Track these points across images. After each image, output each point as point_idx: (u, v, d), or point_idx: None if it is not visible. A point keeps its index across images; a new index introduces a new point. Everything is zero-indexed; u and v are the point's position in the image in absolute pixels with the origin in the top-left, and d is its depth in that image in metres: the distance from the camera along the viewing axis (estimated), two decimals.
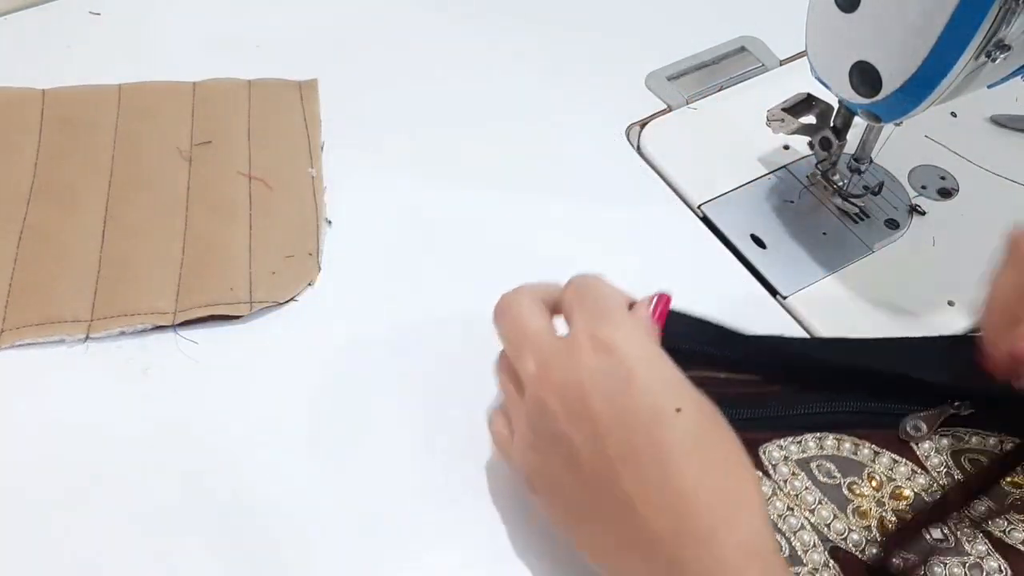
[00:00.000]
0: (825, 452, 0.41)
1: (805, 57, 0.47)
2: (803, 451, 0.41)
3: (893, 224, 0.54)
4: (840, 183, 0.54)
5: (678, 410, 0.33)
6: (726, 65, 0.64)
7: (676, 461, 0.33)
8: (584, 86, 0.62)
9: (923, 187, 0.56)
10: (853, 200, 0.54)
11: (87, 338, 0.47)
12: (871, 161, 0.53)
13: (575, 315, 0.36)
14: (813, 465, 0.40)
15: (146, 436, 0.44)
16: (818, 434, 0.41)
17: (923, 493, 0.40)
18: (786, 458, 0.40)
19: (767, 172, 0.56)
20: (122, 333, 0.47)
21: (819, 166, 0.54)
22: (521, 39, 0.65)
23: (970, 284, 0.51)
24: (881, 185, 0.54)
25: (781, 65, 0.64)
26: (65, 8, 0.65)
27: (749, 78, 0.63)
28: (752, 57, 0.64)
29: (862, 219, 0.54)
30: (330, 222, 0.53)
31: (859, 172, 0.53)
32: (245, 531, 0.41)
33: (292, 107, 0.59)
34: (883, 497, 0.40)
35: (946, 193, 0.56)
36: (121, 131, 0.56)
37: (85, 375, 0.46)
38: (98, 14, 0.65)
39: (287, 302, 0.49)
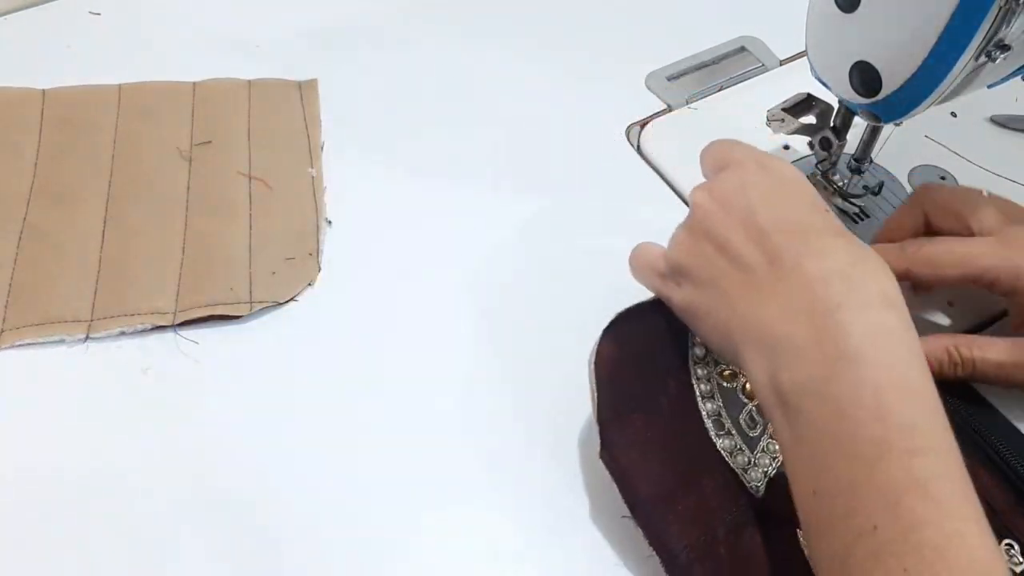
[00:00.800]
0: None
1: (805, 57, 0.47)
2: None
3: None
4: (840, 183, 0.54)
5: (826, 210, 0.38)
6: (726, 65, 0.64)
7: (830, 242, 0.37)
8: (584, 86, 0.62)
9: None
10: (853, 200, 0.54)
11: (87, 338, 0.47)
12: (871, 161, 0.53)
13: (736, 150, 0.42)
14: None
15: (146, 436, 0.44)
16: None
17: None
18: None
19: None
20: (122, 333, 0.47)
21: (819, 166, 0.54)
22: (521, 39, 0.65)
23: None
24: (881, 185, 0.54)
25: (781, 65, 0.64)
26: (65, 8, 0.65)
27: (749, 78, 0.63)
28: (752, 57, 0.64)
29: (862, 219, 0.54)
30: (330, 222, 0.53)
31: (859, 172, 0.53)
32: (246, 530, 0.41)
33: (292, 107, 0.59)
34: None
35: None
36: (121, 131, 0.56)
37: (85, 375, 0.46)
38: (98, 14, 0.65)
39: (287, 302, 0.49)
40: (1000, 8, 0.38)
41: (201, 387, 0.46)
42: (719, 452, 0.41)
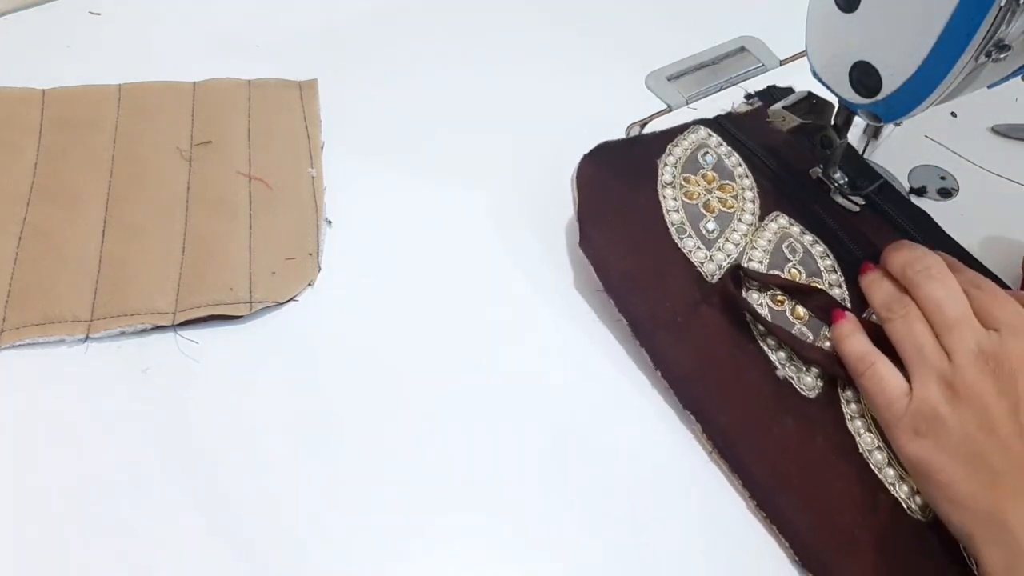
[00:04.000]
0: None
1: (805, 57, 0.47)
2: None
3: None
4: (841, 181, 0.54)
5: None
6: (726, 65, 0.64)
7: None
8: (584, 86, 0.62)
9: (923, 187, 0.56)
10: (854, 199, 0.54)
11: (87, 338, 0.47)
12: (871, 161, 0.53)
13: (995, 306, 0.43)
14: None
15: (146, 436, 0.44)
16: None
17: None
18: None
19: None
20: (122, 333, 0.47)
21: (819, 165, 0.54)
22: (521, 39, 0.65)
23: None
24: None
25: (781, 65, 0.64)
26: (65, 8, 0.65)
27: (749, 78, 0.63)
28: (752, 57, 0.64)
29: None
30: (330, 222, 0.53)
31: (858, 188, 0.53)
32: (245, 530, 0.41)
33: (292, 107, 0.59)
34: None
35: (946, 193, 0.56)
36: (121, 131, 0.56)
37: (85, 375, 0.46)
38: (98, 14, 0.65)
39: (287, 302, 0.49)
40: (1000, 8, 0.38)
41: (201, 387, 0.46)
42: (681, 251, 0.49)
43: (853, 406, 0.45)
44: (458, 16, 0.67)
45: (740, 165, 0.53)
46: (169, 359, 0.47)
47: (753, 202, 0.51)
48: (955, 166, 0.57)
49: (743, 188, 0.52)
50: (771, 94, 0.57)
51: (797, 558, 0.41)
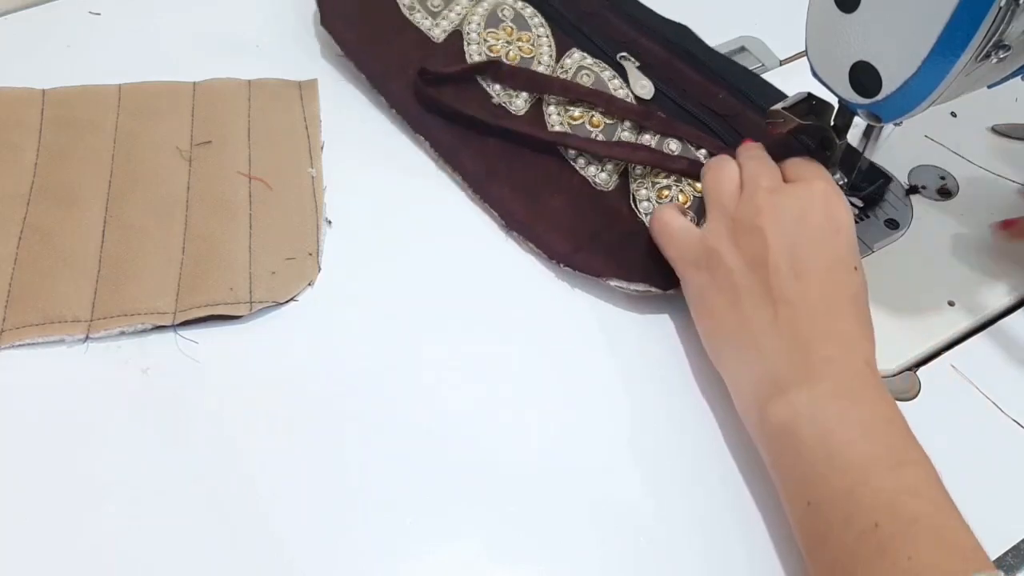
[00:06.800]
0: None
1: (805, 57, 0.47)
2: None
3: (893, 224, 0.54)
4: (840, 182, 0.54)
5: (856, 268, 0.43)
6: None
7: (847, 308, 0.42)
8: None
9: (923, 187, 0.56)
10: (853, 200, 0.54)
11: (87, 338, 0.47)
12: (871, 161, 0.53)
13: (801, 165, 0.47)
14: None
15: (146, 436, 0.44)
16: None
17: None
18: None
19: None
20: (122, 333, 0.47)
21: None
22: None
23: (970, 284, 0.51)
24: (881, 185, 0.54)
25: (781, 65, 0.64)
26: (65, 8, 0.65)
27: None
28: (752, 57, 0.64)
29: (862, 219, 0.54)
30: (330, 222, 0.53)
31: (859, 172, 0.53)
32: (245, 531, 0.41)
33: (292, 107, 0.59)
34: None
35: (946, 193, 0.56)
36: (121, 131, 0.56)
37: (85, 375, 0.46)
38: (98, 14, 0.65)
39: (287, 302, 0.49)
40: (1000, 8, 0.38)
41: (201, 387, 0.46)
42: (410, 21, 0.61)
43: (554, 117, 0.56)
44: None
45: None
46: (169, 359, 0.47)
47: None
48: (955, 166, 0.57)
49: None
50: None
51: (504, 221, 0.53)
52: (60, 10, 0.65)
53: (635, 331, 0.49)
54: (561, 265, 0.51)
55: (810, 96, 0.51)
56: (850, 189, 0.53)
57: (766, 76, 0.63)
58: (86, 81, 0.59)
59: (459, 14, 0.60)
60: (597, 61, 0.58)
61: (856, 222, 0.53)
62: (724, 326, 0.44)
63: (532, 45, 0.59)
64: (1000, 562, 0.41)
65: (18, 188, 0.53)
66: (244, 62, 0.61)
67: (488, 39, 0.59)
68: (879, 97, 0.44)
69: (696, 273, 0.46)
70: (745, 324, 0.42)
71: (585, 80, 0.57)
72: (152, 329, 0.48)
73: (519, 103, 0.56)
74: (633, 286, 0.49)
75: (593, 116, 0.55)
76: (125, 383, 0.46)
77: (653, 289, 0.49)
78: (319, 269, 0.51)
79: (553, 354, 0.48)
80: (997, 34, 0.39)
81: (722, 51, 0.64)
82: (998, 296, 0.51)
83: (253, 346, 0.48)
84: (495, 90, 0.57)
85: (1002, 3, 0.38)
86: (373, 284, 0.51)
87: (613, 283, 0.49)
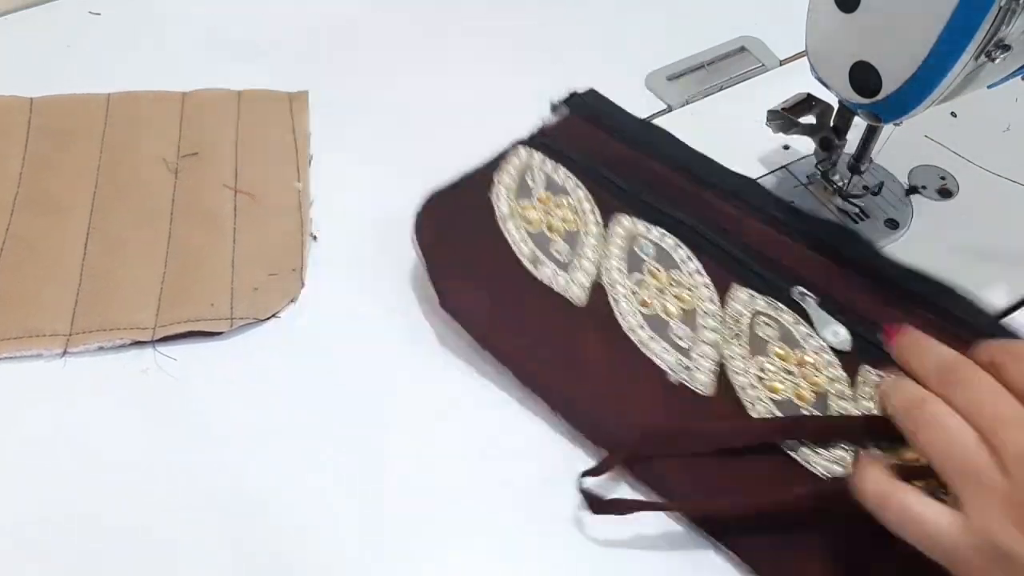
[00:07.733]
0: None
1: (805, 57, 0.47)
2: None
3: (893, 224, 0.54)
4: (840, 183, 0.54)
5: None
6: (726, 65, 0.64)
7: None
8: (584, 86, 0.62)
9: (923, 187, 0.56)
10: (853, 200, 0.54)
11: (65, 353, 0.46)
12: (871, 161, 0.53)
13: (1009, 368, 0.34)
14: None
15: (124, 454, 0.43)
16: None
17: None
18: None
19: (767, 172, 0.56)
20: (100, 348, 0.47)
21: (819, 166, 0.54)
22: (520, 42, 0.65)
23: (970, 284, 0.51)
24: (881, 185, 0.54)
25: (781, 65, 0.64)
26: (65, 8, 0.65)
27: (749, 78, 0.63)
28: (752, 57, 0.64)
29: (862, 219, 0.54)
30: (315, 237, 0.52)
31: (859, 172, 0.53)
32: (230, 549, 0.41)
33: (281, 120, 0.58)
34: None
35: (946, 193, 0.56)
36: (108, 141, 0.55)
37: (62, 390, 0.45)
38: (98, 14, 0.65)
39: (269, 318, 0.48)
40: (1000, 8, 0.38)
41: (179, 405, 0.45)
42: (541, 282, 0.48)
43: (749, 392, 0.44)
44: (454, 25, 0.66)
45: (569, 177, 0.52)
46: (147, 376, 0.46)
47: (593, 212, 0.50)
48: (955, 166, 0.57)
49: (579, 199, 0.51)
50: (577, 102, 0.56)
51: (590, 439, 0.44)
52: (60, 10, 0.65)
53: None
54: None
55: (810, 96, 0.51)
56: (843, 198, 0.53)
57: (766, 76, 0.63)
58: (85, 81, 0.58)
59: (592, 260, 0.48)
60: (770, 300, 0.47)
61: (855, 222, 0.53)
62: None
63: (690, 291, 0.47)
64: None
65: (2, 197, 0.52)
66: (244, 62, 0.61)
67: (640, 291, 0.47)
68: (879, 97, 0.44)
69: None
70: None
71: (768, 333, 0.46)
72: (131, 344, 0.47)
73: (702, 377, 0.44)
74: None
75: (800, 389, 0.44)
76: (102, 397, 0.45)
77: None
78: (302, 285, 0.50)
79: None
80: (997, 34, 0.39)
81: (722, 51, 0.64)
82: (998, 296, 0.51)
83: (233, 363, 0.46)
84: (669, 363, 0.45)
85: (1002, 3, 0.38)
86: (357, 301, 0.49)
87: None
